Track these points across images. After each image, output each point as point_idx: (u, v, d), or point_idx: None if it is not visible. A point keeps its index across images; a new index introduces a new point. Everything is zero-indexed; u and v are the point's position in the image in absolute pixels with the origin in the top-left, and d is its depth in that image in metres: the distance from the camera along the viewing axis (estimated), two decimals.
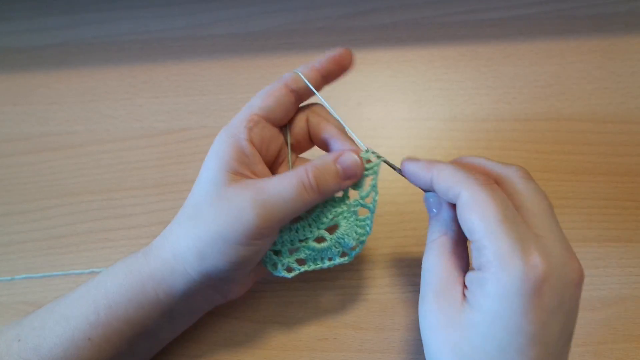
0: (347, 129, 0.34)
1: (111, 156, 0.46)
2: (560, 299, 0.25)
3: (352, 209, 0.33)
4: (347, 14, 0.50)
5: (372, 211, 0.33)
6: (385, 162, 0.33)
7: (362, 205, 0.33)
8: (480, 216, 0.26)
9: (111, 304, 0.31)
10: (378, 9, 0.50)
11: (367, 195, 0.33)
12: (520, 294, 0.24)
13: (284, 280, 0.39)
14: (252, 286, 0.36)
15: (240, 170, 0.31)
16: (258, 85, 0.48)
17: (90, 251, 0.42)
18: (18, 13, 0.53)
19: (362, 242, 0.34)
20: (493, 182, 0.28)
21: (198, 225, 0.30)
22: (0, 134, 0.48)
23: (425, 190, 0.32)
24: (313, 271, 0.34)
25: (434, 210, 0.32)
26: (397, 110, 0.46)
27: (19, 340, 0.31)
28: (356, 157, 0.31)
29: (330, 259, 0.34)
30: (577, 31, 0.48)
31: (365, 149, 0.33)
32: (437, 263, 0.29)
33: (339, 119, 0.34)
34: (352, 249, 0.34)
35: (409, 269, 0.39)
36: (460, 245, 0.30)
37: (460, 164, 0.31)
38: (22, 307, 0.41)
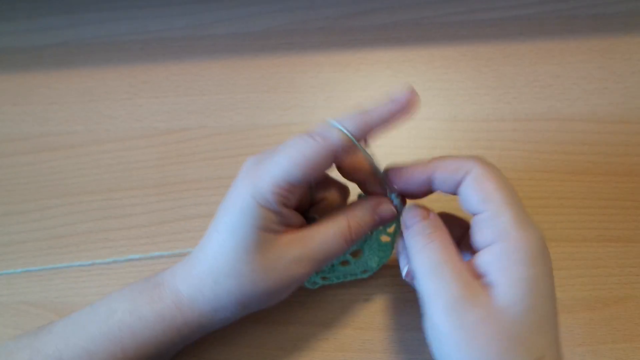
0: (376, 167, 0.32)
1: (111, 156, 0.46)
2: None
3: (375, 237, 0.36)
4: (347, 14, 0.50)
5: (393, 241, 0.36)
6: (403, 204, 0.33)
7: (385, 234, 0.36)
8: (496, 185, 0.28)
9: (140, 345, 0.31)
10: (378, 9, 0.50)
11: (389, 227, 0.36)
12: (543, 257, 0.27)
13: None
14: None
15: (276, 229, 0.30)
16: (258, 85, 0.48)
17: (90, 251, 0.42)
18: (18, 13, 0.53)
19: (383, 263, 0.37)
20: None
21: (243, 284, 0.30)
22: (0, 134, 0.48)
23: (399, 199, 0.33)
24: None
25: (409, 222, 0.31)
26: None
27: None
28: (393, 208, 0.33)
29: (352, 274, 0.37)
30: (577, 31, 0.48)
31: (394, 195, 0.33)
32: (445, 260, 0.28)
33: (371, 158, 0.31)
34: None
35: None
36: (453, 243, 0.30)
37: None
38: (22, 307, 0.41)
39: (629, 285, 0.38)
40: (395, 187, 0.32)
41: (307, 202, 0.34)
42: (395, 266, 0.40)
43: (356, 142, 0.28)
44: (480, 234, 0.28)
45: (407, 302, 0.38)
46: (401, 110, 0.29)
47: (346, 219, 0.31)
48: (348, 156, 0.31)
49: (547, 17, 0.48)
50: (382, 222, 0.33)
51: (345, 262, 0.37)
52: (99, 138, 0.47)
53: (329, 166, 0.30)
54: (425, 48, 0.48)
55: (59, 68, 0.50)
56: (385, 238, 0.36)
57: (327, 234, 0.31)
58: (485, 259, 0.27)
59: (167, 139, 0.46)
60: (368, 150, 0.32)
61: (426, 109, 0.46)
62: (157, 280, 0.33)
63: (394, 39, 0.49)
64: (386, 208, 0.33)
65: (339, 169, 0.33)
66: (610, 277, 0.38)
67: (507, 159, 0.43)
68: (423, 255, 0.29)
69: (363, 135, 0.29)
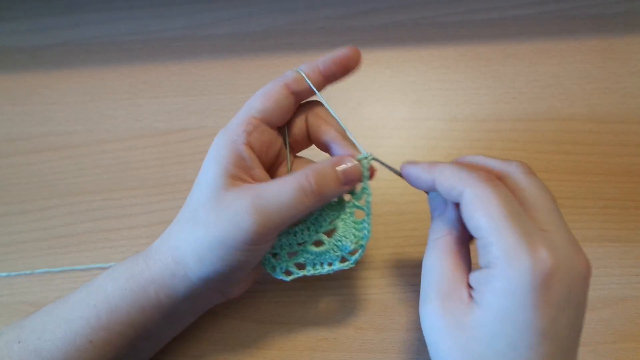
0: (347, 131, 0.34)
1: (111, 156, 0.46)
2: (569, 292, 0.25)
3: (348, 211, 0.33)
4: (347, 14, 0.50)
5: (367, 213, 0.33)
6: (383, 164, 0.32)
7: (357, 207, 0.33)
8: (484, 213, 0.26)
9: (112, 307, 0.31)
10: (378, 9, 0.50)
11: (360, 198, 0.33)
12: (528, 289, 0.24)
13: (283, 281, 0.39)
14: (253, 286, 0.36)
15: (239, 175, 0.31)
16: (258, 85, 0.48)
17: (90, 251, 0.42)
18: (18, 13, 0.53)
19: (362, 247, 0.33)
20: (495, 178, 0.28)
21: (197, 230, 0.30)
22: (0, 134, 0.48)
23: (428, 192, 0.32)
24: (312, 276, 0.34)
25: (437, 211, 0.31)
26: (397, 110, 0.46)
27: (19, 342, 0.31)
28: (356, 162, 0.31)
29: (330, 264, 0.34)
30: (577, 31, 0.48)
31: (365, 153, 0.32)
32: (441, 263, 0.29)
33: (340, 122, 0.34)
34: (352, 254, 0.33)
35: (409, 269, 0.39)
36: (464, 245, 0.30)
37: (462, 163, 0.31)
38: (22, 307, 0.41)
39: (629, 285, 0.38)
40: (410, 183, 0.32)
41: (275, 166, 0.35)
42: (395, 266, 0.40)
43: (304, 76, 0.32)
44: (480, 254, 0.28)
45: (407, 302, 0.38)
46: (343, 55, 0.32)
47: (304, 172, 0.30)
48: (304, 91, 0.33)
49: (547, 17, 0.48)
50: (348, 178, 0.31)
51: (319, 243, 0.34)
52: (99, 138, 0.47)
53: (286, 103, 0.32)
54: (425, 48, 0.48)
55: (59, 68, 0.50)
56: (360, 215, 0.33)
57: (282, 184, 0.30)
58: (474, 278, 0.27)
59: (167, 139, 0.46)
60: (369, 156, 0.32)
61: (426, 109, 0.46)
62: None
63: (394, 39, 0.49)
64: (348, 162, 0.31)
65: (310, 134, 0.34)
66: (610, 277, 0.38)
67: (507, 158, 0.43)
68: (431, 250, 0.30)
69: (312, 73, 0.32)
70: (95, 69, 0.50)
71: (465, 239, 0.30)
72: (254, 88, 0.47)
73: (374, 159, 0.32)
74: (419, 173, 0.30)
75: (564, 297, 0.25)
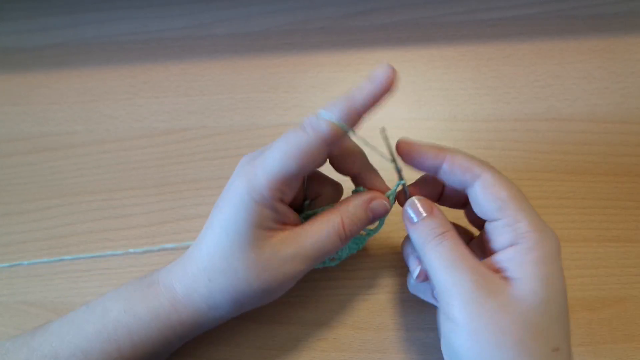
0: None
1: (111, 156, 0.46)
2: None
3: None
4: (347, 14, 0.50)
5: (370, 235, 0.36)
6: (403, 185, 0.34)
7: (364, 230, 0.35)
8: (509, 193, 0.29)
9: (136, 343, 0.31)
10: (378, 9, 0.50)
11: (373, 226, 0.35)
12: (558, 256, 0.28)
13: None
14: None
15: (271, 227, 0.30)
16: (258, 85, 0.48)
17: (90, 251, 0.42)
18: (18, 13, 0.53)
19: (352, 252, 0.36)
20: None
21: (237, 282, 0.30)
22: (0, 134, 0.48)
23: (423, 170, 0.32)
24: (311, 271, 0.34)
25: (416, 217, 0.31)
26: (397, 110, 0.46)
27: None
28: (387, 204, 0.33)
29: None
30: (577, 31, 0.48)
31: (400, 181, 0.33)
32: (457, 256, 0.28)
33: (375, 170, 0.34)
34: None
35: None
36: (463, 241, 0.30)
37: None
38: (22, 307, 0.41)
39: (629, 285, 0.38)
40: (403, 160, 0.32)
41: (301, 199, 0.34)
42: (395, 266, 0.40)
43: (346, 129, 0.28)
44: (497, 238, 0.29)
45: (407, 302, 0.38)
46: (383, 88, 0.29)
47: (340, 216, 0.31)
48: (340, 146, 0.31)
49: (547, 17, 0.48)
50: (376, 218, 0.33)
51: None
52: (99, 138, 0.47)
53: (322, 158, 0.30)
54: (425, 48, 0.48)
55: (59, 68, 0.50)
56: (361, 232, 0.35)
57: (321, 232, 0.31)
58: (504, 257, 0.29)
59: (167, 139, 0.46)
60: (358, 139, 0.32)
61: (426, 109, 0.46)
62: (152, 279, 0.33)
63: (394, 39, 0.49)
64: (379, 203, 0.32)
65: (332, 163, 0.33)
66: (610, 277, 0.38)
67: (507, 159, 0.43)
68: (437, 253, 0.29)
69: (351, 120, 0.28)
70: (95, 69, 0.50)
71: (461, 236, 0.30)
72: (254, 88, 0.48)
73: (404, 185, 0.33)
74: (426, 153, 0.31)
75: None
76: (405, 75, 0.47)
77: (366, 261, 0.40)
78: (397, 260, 0.40)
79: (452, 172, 0.30)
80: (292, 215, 0.32)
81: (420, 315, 0.38)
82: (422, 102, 0.46)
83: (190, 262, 0.32)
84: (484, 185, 0.29)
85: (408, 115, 0.45)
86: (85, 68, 0.50)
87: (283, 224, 0.31)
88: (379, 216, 0.33)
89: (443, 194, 0.34)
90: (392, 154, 0.32)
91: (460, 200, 0.34)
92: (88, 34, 0.52)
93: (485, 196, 0.29)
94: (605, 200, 0.41)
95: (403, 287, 0.39)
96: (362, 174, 0.33)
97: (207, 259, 0.30)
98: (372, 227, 0.35)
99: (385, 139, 0.32)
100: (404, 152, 0.32)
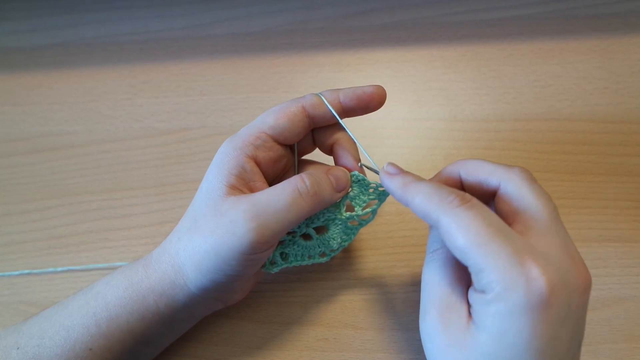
0: (362, 150, 0.34)
1: (111, 156, 0.46)
2: (568, 308, 0.25)
3: (345, 218, 0.34)
4: (347, 14, 0.50)
5: (362, 225, 0.35)
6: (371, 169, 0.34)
7: (356, 219, 0.35)
8: (466, 240, 0.25)
9: (112, 316, 0.31)
10: (378, 9, 0.50)
11: (364, 214, 0.34)
12: (525, 311, 0.24)
13: (283, 280, 0.39)
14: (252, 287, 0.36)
15: (237, 186, 0.31)
16: (258, 85, 0.48)
17: (90, 251, 0.42)
18: (18, 13, 0.53)
19: (343, 246, 0.36)
20: (470, 199, 0.27)
21: (195, 239, 0.30)
22: (0, 134, 0.48)
23: None
24: (306, 269, 0.36)
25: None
26: (397, 110, 0.46)
27: (18, 349, 0.31)
28: (345, 171, 0.32)
29: (310, 257, 0.36)
30: (577, 31, 0.48)
31: (374, 165, 0.33)
32: (440, 277, 0.28)
33: (360, 147, 0.34)
34: (332, 251, 0.36)
35: (409, 269, 0.39)
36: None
37: (440, 180, 0.31)
38: (22, 307, 0.41)
39: (629, 285, 0.38)
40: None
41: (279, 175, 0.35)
42: (395, 266, 0.40)
43: (325, 101, 0.32)
44: (473, 281, 0.27)
45: (407, 302, 0.38)
46: (370, 91, 0.32)
47: (299, 175, 0.30)
48: (320, 116, 0.32)
49: (547, 17, 0.48)
50: (339, 186, 0.32)
51: (307, 237, 0.35)
52: (99, 138, 0.47)
53: (302, 124, 0.32)
54: (425, 48, 0.48)
55: (59, 68, 0.50)
56: (354, 222, 0.35)
57: (277, 188, 0.30)
58: (472, 299, 0.26)
59: (167, 139, 0.46)
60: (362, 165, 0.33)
61: (426, 109, 0.46)
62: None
63: (394, 39, 0.49)
64: (338, 169, 0.32)
65: (319, 146, 0.35)
66: (610, 277, 0.38)
67: (507, 159, 0.43)
68: (428, 267, 0.29)
69: (333, 99, 0.32)
70: (95, 69, 0.50)
71: None
72: (254, 88, 0.48)
73: (363, 165, 0.33)
74: (395, 189, 0.29)
75: (562, 313, 0.24)
76: (405, 75, 0.47)
77: (366, 261, 0.40)
78: (397, 260, 0.40)
79: (418, 214, 0.28)
80: (264, 186, 0.32)
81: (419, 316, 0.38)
82: (422, 102, 0.46)
83: (176, 227, 0.32)
84: (443, 232, 0.26)
85: (408, 115, 0.45)
86: (85, 68, 0.50)
87: (250, 189, 0.31)
88: (341, 184, 0.32)
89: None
90: (336, 117, 0.33)
91: (483, 200, 0.31)
92: (88, 34, 0.52)
93: (447, 243, 0.26)
94: (605, 200, 0.41)
95: (403, 287, 0.39)
96: (337, 149, 0.33)
97: (182, 220, 0.32)
98: (365, 217, 0.34)
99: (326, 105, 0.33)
100: (384, 186, 0.31)
